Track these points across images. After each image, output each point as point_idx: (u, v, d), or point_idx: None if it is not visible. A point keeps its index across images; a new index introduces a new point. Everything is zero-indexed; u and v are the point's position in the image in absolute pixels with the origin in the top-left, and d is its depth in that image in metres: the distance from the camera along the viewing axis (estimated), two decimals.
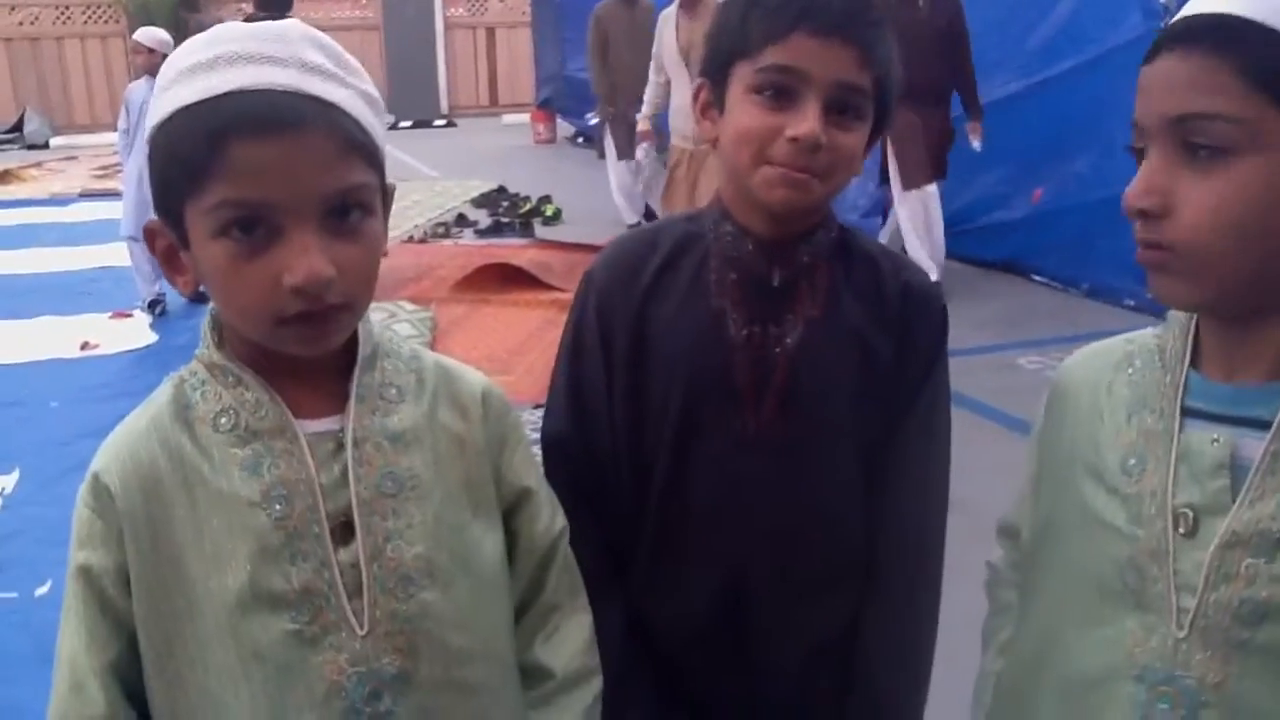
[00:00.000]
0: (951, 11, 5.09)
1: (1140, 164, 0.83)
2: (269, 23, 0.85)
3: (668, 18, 5.36)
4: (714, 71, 1.09)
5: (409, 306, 5.20)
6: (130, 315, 5.64)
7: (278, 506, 0.86)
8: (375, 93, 0.89)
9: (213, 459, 0.87)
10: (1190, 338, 0.88)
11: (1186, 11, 0.81)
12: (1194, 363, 0.87)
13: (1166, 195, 0.79)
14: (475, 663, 0.93)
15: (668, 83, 5.42)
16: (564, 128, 12.17)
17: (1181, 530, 0.83)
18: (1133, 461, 0.87)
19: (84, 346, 5.16)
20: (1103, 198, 5.08)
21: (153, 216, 0.88)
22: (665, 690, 1.17)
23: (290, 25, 0.86)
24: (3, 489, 3.60)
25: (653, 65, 5.55)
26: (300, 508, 0.87)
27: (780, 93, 1.02)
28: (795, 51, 1.01)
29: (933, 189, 5.26)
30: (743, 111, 1.04)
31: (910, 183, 5.22)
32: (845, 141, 1.03)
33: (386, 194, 0.91)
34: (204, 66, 0.82)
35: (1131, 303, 5.11)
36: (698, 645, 1.16)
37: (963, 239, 6.02)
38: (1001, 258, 5.86)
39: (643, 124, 5.89)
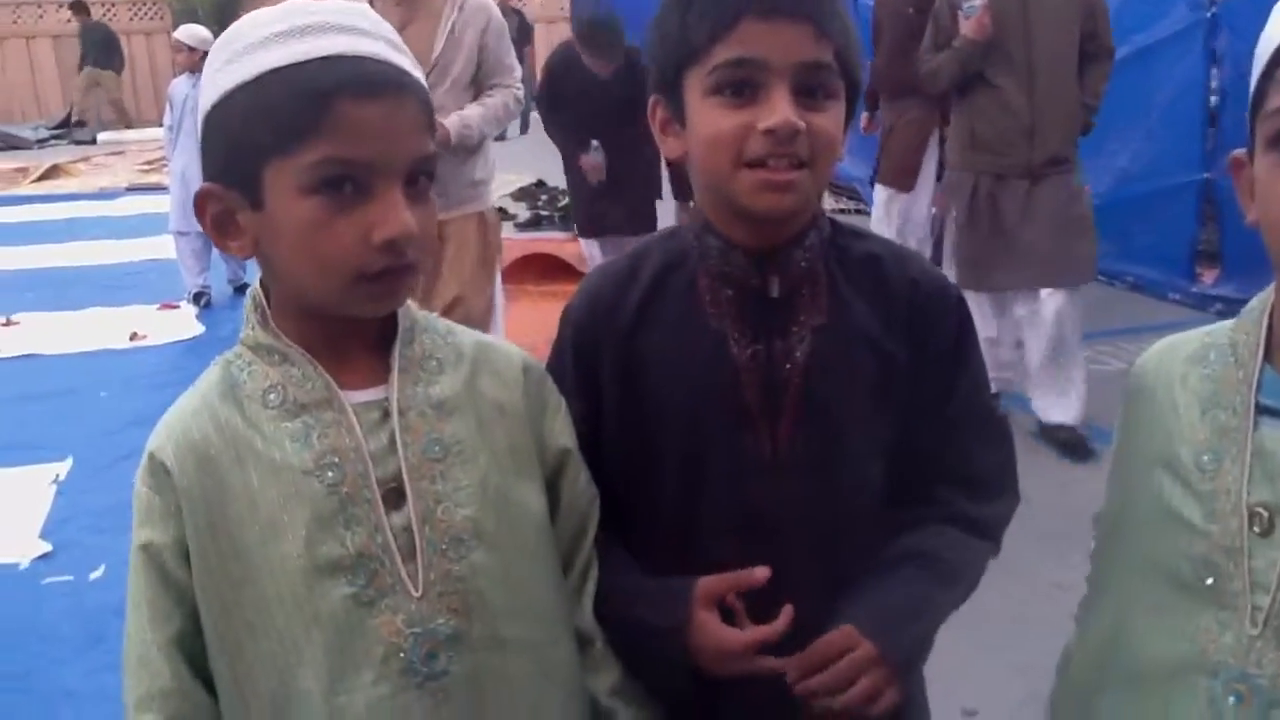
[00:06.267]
0: None
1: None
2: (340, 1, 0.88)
3: None
4: (664, 85, 1.01)
5: None
6: (177, 307, 5.76)
7: (330, 474, 0.89)
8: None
9: (264, 432, 0.90)
10: (1264, 332, 0.86)
11: None
12: (1269, 358, 0.85)
13: None
14: (519, 620, 0.95)
15: None
16: None
17: (1257, 529, 0.82)
18: (1207, 458, 0.86)
19: (133, 337, 5.27)
20: (1144, 191, 5.03)
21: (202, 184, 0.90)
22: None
23: (363, 6, 0.90)
24: (57, 475, 3.69)
25: None
26: (352, 474, 0.89)
27: (741, 87, 0.94)
28: (745, 41, 0.93)
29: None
30: (706, 117, 0.96)
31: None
32: (822, 123, 0.95)
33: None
34: (292, 34, 0.84)
35: (1176, 296, 5.05)
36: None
37: None
38: None
39: None
